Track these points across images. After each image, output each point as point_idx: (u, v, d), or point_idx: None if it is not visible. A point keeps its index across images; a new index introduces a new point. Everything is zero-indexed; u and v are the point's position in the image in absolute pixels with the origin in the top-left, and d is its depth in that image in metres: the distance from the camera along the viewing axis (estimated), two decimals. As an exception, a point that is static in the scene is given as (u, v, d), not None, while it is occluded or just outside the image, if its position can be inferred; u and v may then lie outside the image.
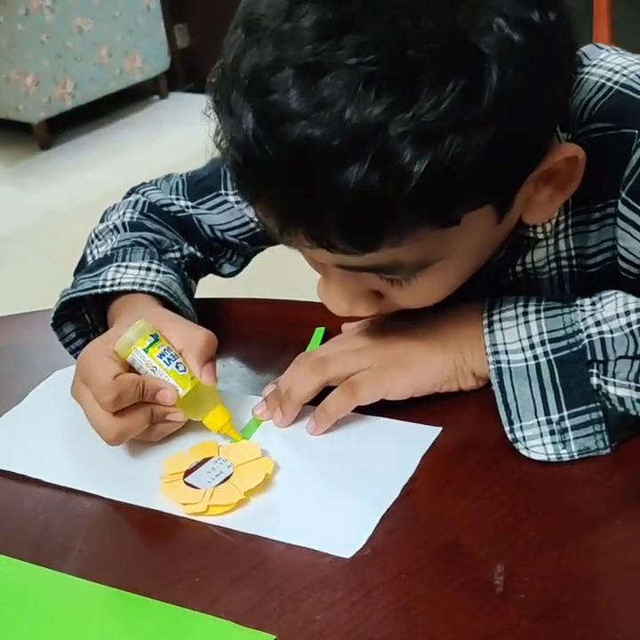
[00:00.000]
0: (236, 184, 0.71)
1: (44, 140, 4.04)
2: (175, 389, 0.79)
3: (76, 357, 0.88)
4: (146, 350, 0.80)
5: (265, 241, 1.03)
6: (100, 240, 0.99)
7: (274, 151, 0.63)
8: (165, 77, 4.46)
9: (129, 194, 1.06)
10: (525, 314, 0.76)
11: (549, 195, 0.75)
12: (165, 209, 1.02)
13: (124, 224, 1.00)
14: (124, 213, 1.02)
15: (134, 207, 1.03)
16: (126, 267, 0.91)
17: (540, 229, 0.81)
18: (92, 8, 4.07)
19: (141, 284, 0.89)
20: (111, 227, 1.00)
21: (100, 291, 0.89)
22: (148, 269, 0.91)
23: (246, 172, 0.67)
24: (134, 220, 1.01)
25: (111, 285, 0.89)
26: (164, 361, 0.80)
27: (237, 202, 1.00)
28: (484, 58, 0.62)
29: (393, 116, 0.60)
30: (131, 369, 0.80)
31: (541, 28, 0.64)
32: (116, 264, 0.91)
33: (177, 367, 0.80)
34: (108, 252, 0.95)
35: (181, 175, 1.04)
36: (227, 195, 1.00)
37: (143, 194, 1.04)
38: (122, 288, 0.88)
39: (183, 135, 3.65)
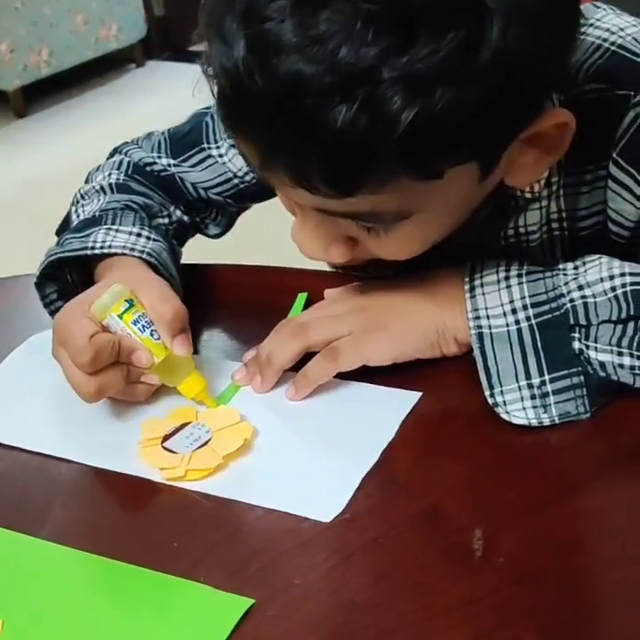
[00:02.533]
0: (220, 113, 0.69)
1: (19, 107, 4.00)
2: (149, 352, 0.79)
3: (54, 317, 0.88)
4: (120, 316, 0.79)
5: (249, 197, 1.01)
6: (85, 200, 0.98)
7: (263, 82, 0.62)
8: (142, 46, 4.41)
9: (112, 154, 1.05)
10: (507, 278, 0.76)
11: (534, 158, 0.74)
12: (148, 168, 1.01)
13: (110, 185, 0.98)
14: (109, 174, 1.00)
15: (119, 168, 1.01)
16: (117, 230, 0.90)
17: (528, 189, 0.81)
18: (67, -26, 4.02)
19: (132, 249, 0.88)
20: (97, 188, 0.99)
21: (89, 252, 0.88)
22: (139, 235, 0.90)
23: (233, 102, 0.66)
24: (120, 181, 0.99)
25: (101, 248, 0.88)
26: (139, 328, 0.79)
27: (220, 155, 0.98)
28: (488, 12, 0.61)
29: (387, 59, 0.59)
30: (106, 331, 0.79)
31: None
32: (106, 227, 0.90)
33: (151, 335, 0.79)
34: (97, 213, 0.93)
35: (163, 132, 1.03)
36: (209, 149, 0.98)
37: (126, 153, 1.03)
38: (112, 251, 0.87)
39: (160, 104, 3.62)
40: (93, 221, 0.92)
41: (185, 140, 1.00)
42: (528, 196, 0.81)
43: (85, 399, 0.78)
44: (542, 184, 0.81)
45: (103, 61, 4.27)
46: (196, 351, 0.86)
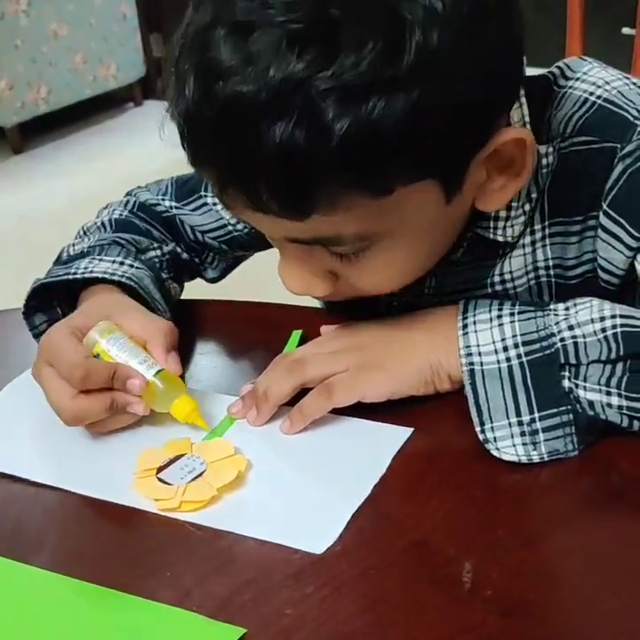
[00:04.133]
0: (185, 150, 0.72)
1: (16, 144, 4.03)
2: (144, 379, 0.80)
3: None
4: (109, 345, 0.81)
5: (243, 245, 1.04)
6: (85, 236, 1.01)
7: (208, 109, 0.66)
8: (140, 85, 4.46)
9: (125, 197, 1.08)
10: (500, 317, 0.77)
11: (503, 183, 0.77)
12: (153, 208, 1.04)
13: (110, 220, 1.01)
14: (114, 210, 1.04)
15: (125, 206, 1.04)
16: (100, 259, 0.92)
17: (500, 232, 0.83)
18: (67, 14, 4.07)
19: (112, 274, 0.90)
20: (99, 223, 1.02)
21: (71, 277, 0.90)
22: (122, 263, 0.92)
23: (187, 135, 0.70)
24: (123, 217, 1.02)
25: (83, 273, 0.90)
26: (128, 355, 0.81)
27: (214, 203, 1.01)
28: (405, 21, 0.64)
29: (315, 72, 0.63)
30: None
31: None
32: (91, 257, 0.93)
33: (140, 364, 0.81)
34: (85, 249, 0.96)
35: (171, 178, 1.06)
36: (205, 196, 1.02)
37: (134, 195, 1.06)
38: (93, 275, 0.90)
39: (157, 143, 3.63)
40: (80, 255, 0.95)
41: (187, 186, 1.04)
42: (500, 239, 0.83)
43: (67, 421, 0.79)
44: (517, 230, 0.83)
45: (101, 100, 4.31)
46: (187, 385, 0.87)
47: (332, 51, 0.63)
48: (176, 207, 1.04)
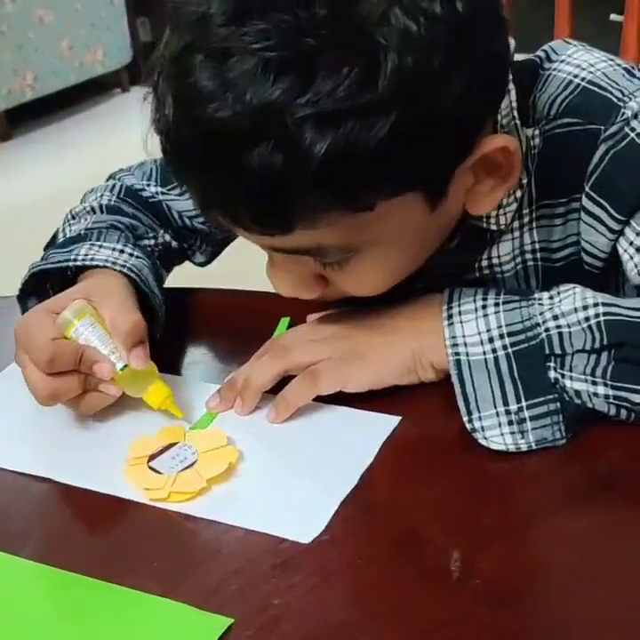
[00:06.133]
0: (169, 166, 0.73)
1: (3, 131, 4.01)
2: (113, 364, 0.80)
3: None
4: (81, 328, 0.81)
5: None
6: (75, 220, 1.00)
7: (187, 133, 0.67)
8: (127, 71, 4.43)
9: (107, 179, 1.07)
10: (484, 307, 0.77)
11: (492, 186, 0.77)
12: (139, 194, 1.03)
13: (100, 206, 1.01)
14: (101, 195, 1.03)
15: (111, 191, 1.03)
16: (100, 246, 0.91)
17: (493, 221, 0.82)
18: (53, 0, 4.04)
19: (114, 263, 0.89)
20: (88, 208, 1.01)
21: (71, 264, 0.89)
22: (122, 251, 0.91)
23: (168, 154, 0.71)
24: (111, 203, 1.01)
25: (83, 260, 0.89)
26: (98, 343, 0.81)
27: None
28: (380, 45, 0.64)
29: (292, 99, 0.63)
30: None
31: (445, 17, 0.66)
32: (90, 242, 0.92)
33: (110, 354, 0.81)
34: (82, 231, 0.95)
35: (155, 161, 1.05)
36: None
37: (119, 179, 1.05)
38: (94, 263, 0.89)
39: (144, 129, 3.63)
40: (78, 238, 0.94)
41: None
42: (494, 228, 0.83)
43: (40, 401, 0.79)
44: (509, 217, 0.82)
45: (88, 86, 4.28)
46: (178, 374, 0.87)
47: (307, 77, 0.63)
48: (162, 192, 1.03)
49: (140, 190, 1.03)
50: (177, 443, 0.77)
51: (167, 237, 1.03)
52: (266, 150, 0.64)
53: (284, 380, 0.81)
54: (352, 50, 0.64)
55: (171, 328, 0.86)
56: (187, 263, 1.09)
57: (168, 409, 0.81)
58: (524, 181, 0.82)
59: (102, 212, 1.00)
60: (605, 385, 0.72)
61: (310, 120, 0.63)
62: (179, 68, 0.67)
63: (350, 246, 0.73)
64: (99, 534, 0.72)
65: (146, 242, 0.99)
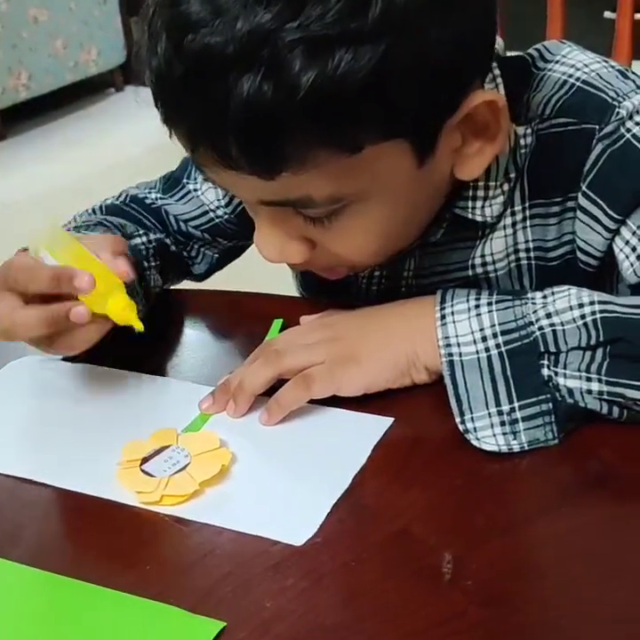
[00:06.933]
0: (158, 111, 0.73)
1: (-3, 130, 4.01)
2: (91, 274, 0.77)
3: None
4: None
5: (224, 234, 1.05)
6: (74, 222, 1.01)
7: (178, 64, 0.67)
8: (121, 70, 4.43)
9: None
10: (477, 307, 0.77)
11: (479, 147, 0.77)
12: (142, 200, 1.06)
13: (101, 207, 1.03)
14: (105, 200, 1.05)
15: (117, 198, 1.06)
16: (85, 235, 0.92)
17: (478, 212, 0.83)
18: (47, -1, 4.04)
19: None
20: (90, 211, 1.03)
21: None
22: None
23: (159, 94, 0.70)
24: (114, 204, 1.04)
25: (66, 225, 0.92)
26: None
27: (195, 189, 1.03)
28: None
29: (282, 24, 0.63)
30: None
31: None
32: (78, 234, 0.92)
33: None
34: (70, 229, 0.96)
35: (162, 177, 1.08)
36: (188, 183, 1.03)
37: (125, 191, 1.08)
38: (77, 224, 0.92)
39: (139, 128, 3.62)
40: None
41: (172, 177, 1.06)
42: (479, 219, 0.83)
43: (12, 334, 0.78)
44: (495, 210, 0.83)
45: (82, 86, 4.29)
46: (169, 375, 0.86)
47: (298, 2, 0.63)
48: (161, 198, 1.05)
49: (143, 198, 1.06)
50: (169, 445, 0.77)
51: (164, 238, 1.03)
52: (255, 78, 0.64)
53: (277, 382, 0.81)
54: None
55: (162, 329, 0.86)
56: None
57: (130, 321, 0.79)
58: (512, 175, 0.82)
59: (101, 212, 1.02)
60: (600, 381, 0.73)
61: (299, 46, 0.63)
62: None
63: (338, 197, 0.73)
64: (90, 537, 0.72)
65: (137, 240, 0.99)
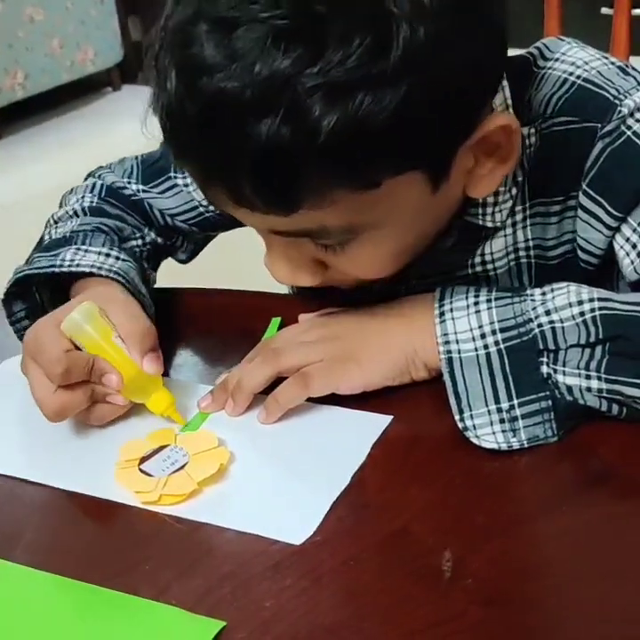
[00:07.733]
0: (166, 145, 0.72)
1: (-6, 130, 4.00)
2: (120, 375, 0.79)
3: (20, 336, 0.89)
4: (94, 330, 0.80)
5: (214, 226, 1.03)
6: (59, 224, 0.99)
7: (191, 105, 0.65)
8: (118, 69, 4.42)
9: (86, 178, 1.06)
10: (476, 304, 0.77)
11: (491, 168, 0.76)
12: (121, 192, 1.02)
13: (83, 209, 1.00)
14: (82, 197, 1.02)
15: (92, 191, 1.02)
16: (86, 250, 0.90)
17: (489, 218, 0.82)
18: (43, -2, 4.03)
19: (100, 268, 0.88)
20: (71, 212, 1.00)
21: (57, 270, 0.88)
22: (108, 255, 0.90)
23: (170, 131, 0.69)
24: (94, 204, 1.00)
25: (69, 266, 0.88)
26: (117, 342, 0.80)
27: (186, 185, 1.00)
28: (393, 18, 0.63)
29: (301, 69, 0.62)
30: (77, 348, 0.80)
31: None
32: (76, 246, 0.91)
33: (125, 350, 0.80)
34: (68, 234, 0.94)
35: (136, 158, 1.04)
36: (176, 178, 1.00)
37: (99, 177, 1.04)
38: (80, 269, 0.88)
39: (136, 128, 3.59)
40: (63, 241, 0.93)
41: (155, 166, 1.02)
42: (489, 224, 0.83)
43: (49, 417, 0.78)
44: (505, 214, 0.82)
45: (79, 85, 4.27)
46: (167, 375, 0.86)
47: (318, 47, 0.62)
48: (143, 190, 1.02)
49: (121, 188, 1.02)
50: (168, 445, 0.77)
51: (153, 235, 1.02)
52: (273, 122, 0.63)
53: (276, 380, 0.80)
54: (363, 19, 0.63)
55: (159, 329, 0.85)
56: (175, 263, 1.09)
57: (171, 416, 0.80)
58: (520, 179, 0.82)
59: (85, 214, 0.99)
60: (599, 378, 0.72)
61: (320, 91, 0.62)
62: (183, 38, 0.66)
63: (353, 227, 0.72)
64: (89, 538, 0.72)
65: (133, 243, 0.98)
